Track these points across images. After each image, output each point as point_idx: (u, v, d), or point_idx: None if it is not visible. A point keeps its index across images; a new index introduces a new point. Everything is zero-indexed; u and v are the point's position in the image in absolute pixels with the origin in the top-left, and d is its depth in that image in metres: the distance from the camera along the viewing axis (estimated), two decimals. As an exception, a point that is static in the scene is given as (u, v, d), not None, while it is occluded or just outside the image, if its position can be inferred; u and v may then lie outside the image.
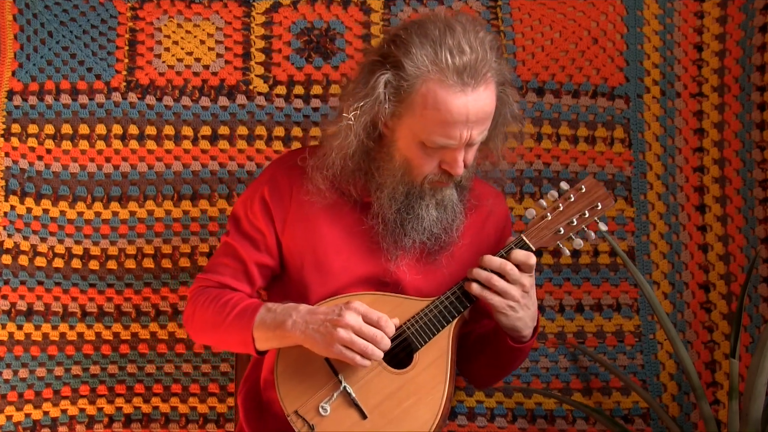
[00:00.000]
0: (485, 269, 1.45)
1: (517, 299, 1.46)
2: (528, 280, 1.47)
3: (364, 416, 1.44)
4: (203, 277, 1.63)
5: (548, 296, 1.96)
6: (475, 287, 1.45)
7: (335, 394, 1.45)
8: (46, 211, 1.94)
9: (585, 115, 1.99)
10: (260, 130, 2.00)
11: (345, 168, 1.52)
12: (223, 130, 2.00)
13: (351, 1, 2.03)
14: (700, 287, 1.95)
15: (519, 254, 1.45)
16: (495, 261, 1.45)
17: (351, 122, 1.45)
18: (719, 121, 1.95)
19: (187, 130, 1.99)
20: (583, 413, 1.92)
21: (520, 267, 1.45)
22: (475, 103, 1.40)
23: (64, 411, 1.92)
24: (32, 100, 1.96)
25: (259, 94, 2.01)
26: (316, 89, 2.01)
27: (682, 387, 1.93)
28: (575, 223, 1.49)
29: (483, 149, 1.58)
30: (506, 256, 1.46)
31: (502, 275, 1.45)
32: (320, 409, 1.44)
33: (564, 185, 1.50)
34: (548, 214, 1.49)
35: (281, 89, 2.01)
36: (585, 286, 1.96)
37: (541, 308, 1.95)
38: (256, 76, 2.01)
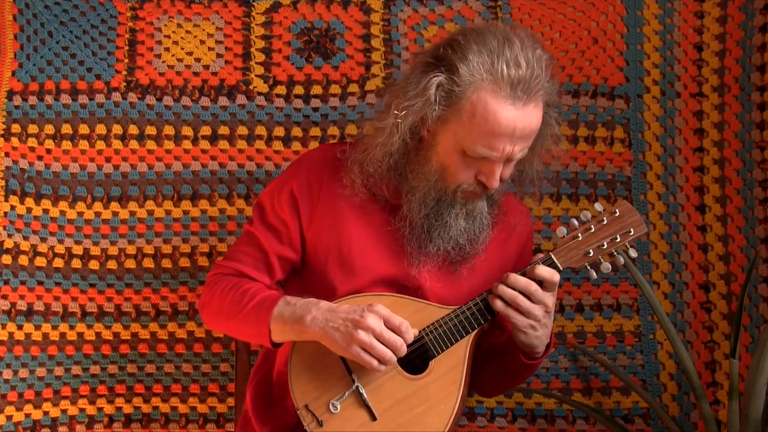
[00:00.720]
0: (510, 287, 1.44)
1: (539, 319, 1.45)
2: (551, 299, 1.46)
3: (374, 418, 1.44)
4: (223, 264, 1.62)
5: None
6: (499, 304, 1.44)
7: (347, 393, 1.45)
8: (46, 211, 1.94)
9: (585, 115, 1.99)
10: (260, 130, 2.00)
11: (381, 166, 1.51)
12: (223, 130, 2.00)
13: (351, 1, 2.03)
14: (700, 287, 1.95)
15: (544, 271, 1.44)
16: (521, 281, 1.43)
17: (398, 120, 1.44)
18: (719, 121, 1.95)
19: (187, 130, 1.99)
20: (583, 413, 1.92)
21: (544, 285, 1.44)
22: (523, 118, 1.39)
23: (64, 411, 1.92)
24: (32, 100, 1.96)
25: (259, 94, 2.01)
26: (316, 89, 2.01)
27: (682, 387, 1.93)
28: (605, 247, 1.47)
29: (518, 166, 1.56)
30: (530, 272, 1.44)
31: (526, 295, 1.44)
32: (331, 406, 1.44)
33: (598, 206, 1.49)
34: (579, 234, 1.47)
35: (281, 89, 2.01)
36: (585, 286, 1.96)
37: (541, 308, 1.95)
38: (256, 76, 2.01)
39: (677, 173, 1.97)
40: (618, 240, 1.46)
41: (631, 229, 1.47)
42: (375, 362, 1.38)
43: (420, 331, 1.46)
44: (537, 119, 1.42)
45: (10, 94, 1.95)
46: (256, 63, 2.02)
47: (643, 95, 1.99)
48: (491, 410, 1.94)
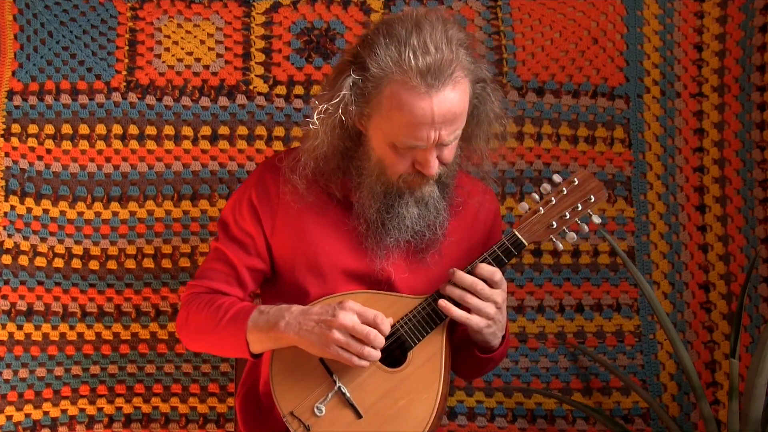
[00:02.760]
0: (458, 285, 1.43)
1: (492, 317, 1.44)
2: (500, 296, 1.45)
3: (359, 416, 1.44)
4: (194, 284, 1.62)
5: (548, 296, 1.96)
6: (448, 306, 1.43)
7: (330, 395, 1.45)
8: (46, 211, 1.94)
9: (585, 115, 1.99)
10: (260, 130, 2.00)
11: (325, 168, 1.52)
12: (223, 130, 2.00)
13: (351, 1, 2.03)
14: (700, 287, 1.95)
15: (484, 270, 1.43)
16: (466, 279, 1.43)
17: (319, 123, 1.45)
18: (719, 121, 1.95)
19: (187, 130, 1.99)
20: (583, 413, 1.92)
21: (489, 283, 1.43)
22: (440, 104, 1.37)
23: (64, 411, 1.92)
24: (32, 100, 1.96)
25: (259, 94, 2.01)
26: (316, 89, 2.01)
27: (682, 387, 1.93)
28: (568, 217, 1.47)
29: (466, 147, 1.56)
30: (474, 270, 1.43)
31: (474, 293, 1.43)
32: (315, 410, 1.45)
33: (557, 177, 1.49)
34: (541, 208, 1.48)
35: (281, 89, 2.01)
36: (585, 286, 1.96)
37: (541, 308, 1.96)
38: (256, 76, 2.01)
39: (677, 173, 1.97)
40: (580, 208, 1.47)
41: (592, 196, 1.47)
42: (355, 359, 1.38)
43: (395, 324, 1.47)
44: (458, 101, 1.39)
45: (10, 94, 1.95)
46: (256, 63, 2.02)
47: (643, 95, 1.99)
48: (491, 410, 1.94)
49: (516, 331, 1.95)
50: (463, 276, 1.43)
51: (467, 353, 1.57)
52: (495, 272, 1.44)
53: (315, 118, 1.45)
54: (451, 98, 1.38)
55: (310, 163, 1.51)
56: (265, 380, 1.59)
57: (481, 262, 1.45)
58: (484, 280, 1.43)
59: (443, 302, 1.44)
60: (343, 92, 1.41)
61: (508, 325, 1.56)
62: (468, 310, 1.44)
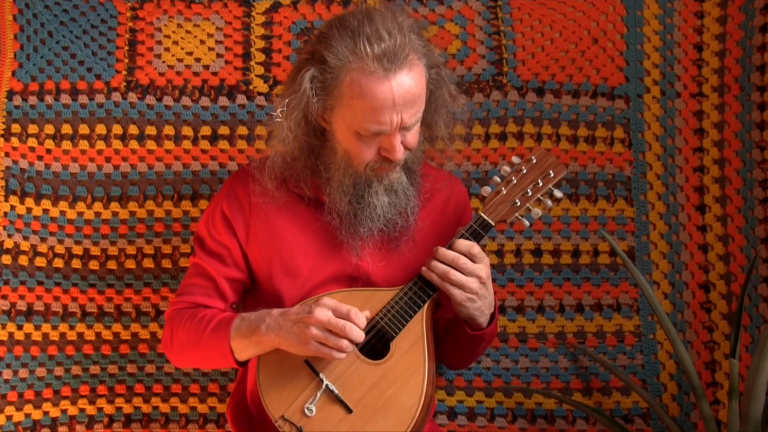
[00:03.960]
0: (440, 261, 1.47)
1: (475, 291, 1.48)
2: (483, 271, 1.49)
3: (349, 411, 1.46)
4: (176, 300, 1.64)
5: (548, 296, 1.96)
6: (435, 278, 1.48)
7: (318, 394, 1.47)
8: (46, 211, 1.94)
9: (585, 115, 1.99)
10: (260, 130, 2.00)
11: (292, 167, 1.56)
12: (223, 130, 2.00)
13: (351, 1, 2.03)
14: (700, 287, 1.95)
15: (462, 245, 1.48)
16: (448, 255, 1.47)
17: (282, 120, 1.48)
18: (719, 121, 1.95)
19: (187, 130, 1.99)
20: (583, 413, 1.92)
21: (470, 257, 1.47)
22: (399, 86, 1.41)
23: (64, 411, 1.92)
24: (32, 100, 1.96)
25: (259, 94, 2.01)
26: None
27: (682, 387, 1.93)
28: (530, 194, 1.53)
29: (426, 132, 1.60)
30: (453, 246, 1.48)
31: (456, 268, 1.47)
32: (306, 410, 1.46)
33: (515, 158, 1.55)
34: (503, 188, 1.54)
35: (281, 89, 2.01)
36: (585, 286, 1.96)
37: (541, 308, 1.96)
38: (256, 76, 2.01)
39: (677, 173, 1.97)
40: (540, 185, 1.53)
41: (551, 171, 1.54)
42: (334, 353, 1.40)
43: (374, 317, 1.50)
44: (416, 82, 1.44)
45: (10, 94, 1.95)
46: (256, 63, 2.02)
47: (643, 95, 1.99)
48: (491, 410, 1.94)
49: (516, 331, 1.95)
50: (445, 252, 1.47)
51: (457, 335, 1.60)
52: (472, 245, 1.48)
53: (278, 112, 1.49)
54: (409, 80, 1.42)
55: (278, 161, 1.54)
56: (252, 389, 1.61)
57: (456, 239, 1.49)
58: (467, 256, 1.47)
59: (426, 270, 1.48)
60: (303, 86, 1.45)
61: (497, 304, 1.60)
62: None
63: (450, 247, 1.48)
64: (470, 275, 1.47)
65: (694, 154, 1.97)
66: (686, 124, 1.98)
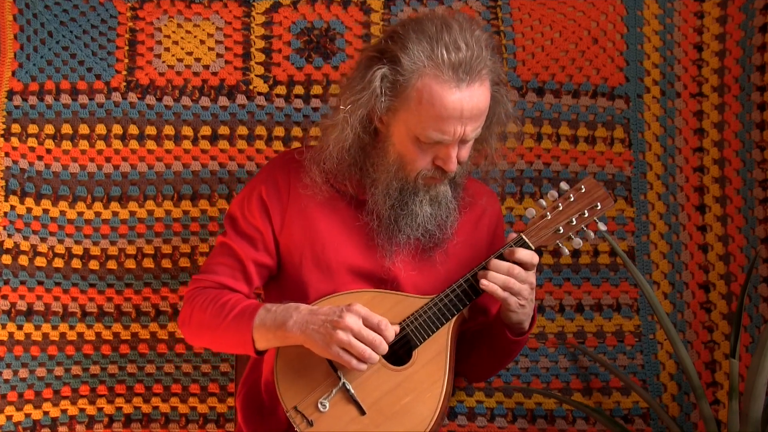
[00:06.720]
0: (495, 272, 1.47)
1: (527, 297, 1.50)
2: (533, 277, 1.51)
3: (362, 412, 1.45)
4: (199, 278, 1.62)
5: (548, 296, 1.96)
6: (496, 289, 1.47)
7: (334, 391, 1.46)
8: (46, 211, 1.94)
9: (585, 115, 1.99)
10: (260, 130, 2.00)
11: (341, 162, 1.54)
12: (223, 130, 2.00)
13: (351, 1, 2.03)
14: (700, 287, 1.95)
15: (524, 254, 1.48)
16: (503, 265, 1.47)
17: (347, 115, 1.47)
18: (719, 121, 1.95)
19: (187, 130, 1.99)
20: (583, 413, 1.92)
21: (524, 266, 1.48)
22: (469, 99, 1.41)
23: (64, 411, 1.92)
24: (32, 100, 1.96)
25: (259, 94, 2.01)
26: (316, 89, 2.01)
27: (682, 387, 1.93)
28: (575, 223, 1.51)
29: (478, 148, 1.60)
30: (508, 255, 1.48)
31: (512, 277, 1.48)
32: (319, 405, 1.45)
33: (564, 185, 1.53)
34: (548, 213, 1.52)
35: (281, 89, 2.01)
36: (585, 286, 1.96)
37: (541, 308, 1.96)
38: (256, 76, 2.01)
39: (677, 173, 1.97)
40: (586, 215, 1.52)
41: (598, 204, 1.52)
42: (354, 361, 1.40)
43: (401, 323, 1.48)
44: (484, 98, 1.45)
45: (10, 94, 1.95)
46: (256, 63, 2.02)
47: (643, 95, 1.99)
48: (491, 410, 1.94)
49: (516, 331, 1.95)
50: (499, 263, 1.48)
51: (493, 342, 1.60)
52: (534, 256, 1.49)
53: (347, 108, 1.47)
54: (479, 94, 1.43)
55: (335, 154, 1.53)
56: (266, 379, 1.59)
57: (495, 258, 1.49)
58: (521, 265, 1.48)
59: (486, 283, 1.47)
60: (374, 84, 1.44)
61: (535, 307, 1.60)
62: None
63: (510, 256, 1.48)
64: (524, 283, 1.48)
65: (694, 154, 1.97)
66: (686, 124, 1.98)
